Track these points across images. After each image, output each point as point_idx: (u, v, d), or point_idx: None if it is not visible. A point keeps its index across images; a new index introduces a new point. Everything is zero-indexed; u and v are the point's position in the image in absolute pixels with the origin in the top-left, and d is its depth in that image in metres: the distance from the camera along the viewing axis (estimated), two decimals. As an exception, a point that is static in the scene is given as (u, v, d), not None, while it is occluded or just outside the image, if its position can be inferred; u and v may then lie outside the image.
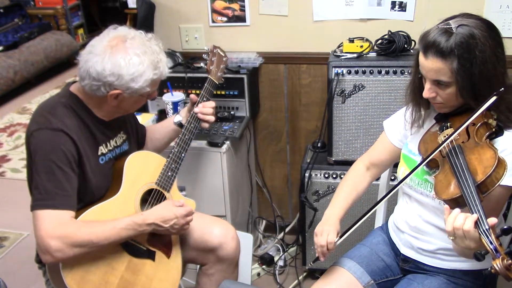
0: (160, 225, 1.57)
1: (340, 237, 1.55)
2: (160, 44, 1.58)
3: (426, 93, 1.39)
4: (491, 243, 1.08)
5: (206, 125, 1.85)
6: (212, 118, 1.84)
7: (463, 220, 1.16)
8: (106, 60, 1.47)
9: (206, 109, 1.82)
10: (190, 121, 1.80)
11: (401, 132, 1.62)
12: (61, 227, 1.42)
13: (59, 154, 1.46)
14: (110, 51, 1.48)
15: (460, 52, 1.28)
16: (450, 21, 1.33)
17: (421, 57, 1.37)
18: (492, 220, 1.13)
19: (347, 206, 1.64)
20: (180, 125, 1.86)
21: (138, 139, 1.84)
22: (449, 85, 1.34)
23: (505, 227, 1.08)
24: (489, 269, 1.05)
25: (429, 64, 1.34)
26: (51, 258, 1.42)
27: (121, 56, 1.48)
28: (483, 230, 1.10)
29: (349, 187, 1.68)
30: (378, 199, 1.93)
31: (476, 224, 1.14)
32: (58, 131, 1.47)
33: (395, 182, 1.95)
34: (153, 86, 1.57)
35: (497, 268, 1.04)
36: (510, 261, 1.04)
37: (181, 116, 1.89)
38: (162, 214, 1.58)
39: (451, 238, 1.20)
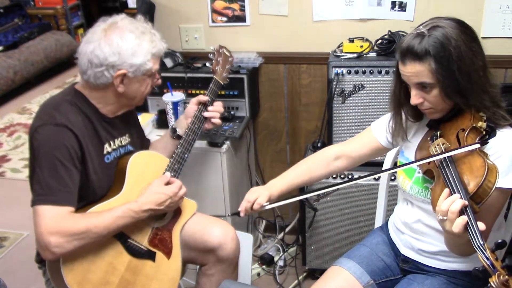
0: (156, 209, 1.59)
1: (270, 203, 1.59)
2: (150, 24, 1.62)
3: (413, 100, 1.39)
4: (487, 258, 1.06)
5: (211, 125, 1.86)
6: (219, 121, 1.86)
7: (459, 207, 1.15)
8: (103, 43, 1.51)
9: (215, 113, 1.85)
10: (194, 122, 1.80)
11: (390, 136, 1.62)
12: (60, 222, 1.43)
13: (62, 150, 1.47)
14: (105, 34, 1.52)
15: (435, 51, 1.30)
16: (421, 26, 1.36)
17: (400, 66, 1.38)
18: (481, 226, 1.12)
19: (293, 185, 1.66)
20: (178, 137, 1.86)
21: (142, 145, 1.84)
22: (433, 87, 1.35)
23: (500, 241, 1.07)
24: (488, 286, 1.03)
25: (409, 70, 1.35)
26: (50, 254, 1.42)
27: (116, 36, 1.52)
28: (478, 246, 1.09)
29: (306, 168, 1.69)
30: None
31: (470, 235, 1.13)
32: (62, 126, 1.48)
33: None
34: (154, 62, 1.60)
35: (494, 286, 1.02)
36: (506, 276, 1.02)
37: (178, 127, 1.88)
38: (156, 198, 1.59)
39: (441, 217, 1.20)
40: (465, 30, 1.33)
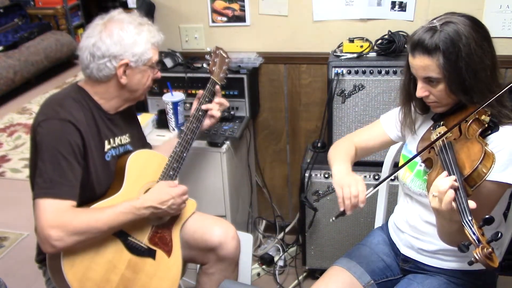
0: (158, 207, 1.59)
1: (374, 187, 1.43)
2: (144, 18, 1.66)
3: (419, 93, 1.41)
4: (473, 233, 1.08)
5: (211, 120, 1.87)
6: (218, 113, 1.86)
7: (450, 184, 1.17)
8: (104, 35, 1.55)
9: (213, 105, 1.86)
10: (192, 121, 1.81)
11: (399, 129, 1.63)
12: (61, 216, 1.43)
13: (65, 144, 1.47)
14: (104, 27, 1.56)
15: (445, 47, 1.31)
16: (434, 20, 1.36)
17: (410, 57, 1.39)
18: (472, 204, 1.14)
19: (351, 163, 1.56)
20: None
21: (143, 147, 1.83)
22: (439, 81, 1.36)
23: (487, 216, 1.08)
24: (472, 259, 1.05)
25: (417, 62, 1.36)
26: (50, 247, 1.42)
27: (116, 27, 1.56)
28: (466, 221, 1.10)
29: (346, 152, 1.61)
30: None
31: (456, 201, 1.14)
32: (66, 121, 1.49)
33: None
34: (154, 52, 1.63)
35: (477, 257, 1.03)
36: (490, 249, 1.03)
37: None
38: (159, 196, 1.60)
39: (433, 194, 1.20)
40: (477, 28, 1.33)
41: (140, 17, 1.64)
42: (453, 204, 1.15)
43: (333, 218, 1.45)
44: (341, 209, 1.42)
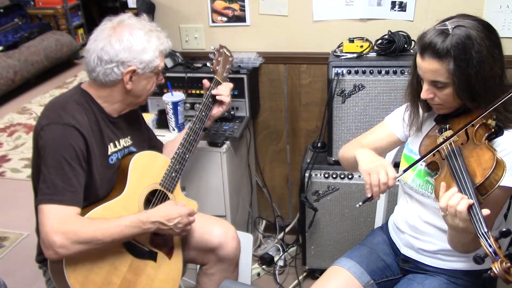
0: (164, 223, 1.58)
1: (404, 171, 1.42)
2: (153, 24, 1.65)
3: (424, 94, 1.40)
4: (490, 246, 1.07)
5: (221, 108, 1.87)
6: (228, 100, 1.87)
7: (459, 200, 1.17)
8: (113, 40, 1.53)
9: (222, 90, 1.87)
10: (195, 122, 1.81)
11: (405, 128, 1.62)
12: (66, 223, 1.42)
13: (69, 149, 1.47)
14: (114, 32, 1.54)
15: (456, 53, 1.29)
16: (447, 22, 1.34)
17: (418, 59, 1.37)
18: (485, 212, 1.14)
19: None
20: (204, 129, 1.88)
21: (149, 147, 1.83)
22: (446, 86, 1.35)
23: (504, 229, 1.08)
24: (488, 272, 1.05)
25: (426, 65, 1.34)
26: (54, 254, 1.42)
27: (126, 32, 1.55)
28: (482, 233, 1.10)
29: (359, 146, 1.61)
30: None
31: (470, 213, 1.14)
32: (69, 126, 1.48)
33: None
34: (161, 59, 1.63)
35: (496, 272, 1.03)
36: (509, 264, 1.03)
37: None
38: (166, 212, 1.59)
39: (443, 213, 1.21)
40: (489, 35, 1.32)
41: (150, 22, 1.63)
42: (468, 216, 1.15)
43: (360, 203, 1.41)
44: (368, 195, 1.40)
